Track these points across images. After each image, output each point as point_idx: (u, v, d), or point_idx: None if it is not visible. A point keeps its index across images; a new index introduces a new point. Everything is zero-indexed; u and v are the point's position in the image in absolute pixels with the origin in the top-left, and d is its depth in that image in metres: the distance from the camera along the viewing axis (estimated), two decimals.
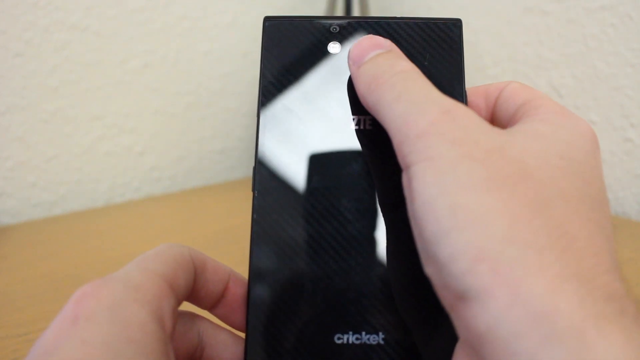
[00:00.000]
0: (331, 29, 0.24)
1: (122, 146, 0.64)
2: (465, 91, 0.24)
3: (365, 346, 0.21)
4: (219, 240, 0.50)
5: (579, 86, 0.59)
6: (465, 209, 0.16)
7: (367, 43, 0.22)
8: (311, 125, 0.23)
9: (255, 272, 0.22)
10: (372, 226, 0.22)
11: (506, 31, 0.64)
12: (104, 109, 0.62)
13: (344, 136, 0.23)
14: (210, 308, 0.22)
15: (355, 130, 0.23)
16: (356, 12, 0.72)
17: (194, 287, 0.21)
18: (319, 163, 0.23)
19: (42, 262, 0.45)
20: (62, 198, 0.61)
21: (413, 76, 0.21)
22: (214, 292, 0.22)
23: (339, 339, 0.21)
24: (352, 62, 0.22)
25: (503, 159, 0.17)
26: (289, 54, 0.24)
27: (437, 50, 0.25)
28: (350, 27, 0.24)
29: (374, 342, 0.21)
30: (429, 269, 0.17)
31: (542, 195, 0.17)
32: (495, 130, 0.19)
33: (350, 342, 0.21)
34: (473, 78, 0.68)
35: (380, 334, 0.21)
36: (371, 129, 0.23)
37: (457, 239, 0.16)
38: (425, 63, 0.24)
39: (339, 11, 0.71)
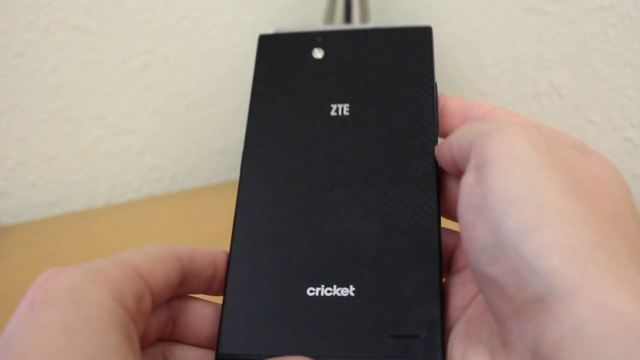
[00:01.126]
0: (316, 39, 0.28)
1: (122, 146, 0.64)
2: (436, 100, 0.25)
3: (336, 298, 0.22)
4: (219, 240, 0.50)
5: (578, 86, 0.59)
6: (557, 208, 0.17)
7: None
8: (295, 117, 0.26)
9: (236, 236, 0.24)
10: (347, 190, 0.24)
11: (506, 31, 0.64)
12: (104, 109, 0.62)
13: (322, 123, 0.26)
14: (205, 291, 0.23)
15: (333, 116, 0.26)
16: (356, 12, 0.72)
17: (186, 279, 0.22)
18: (300, 145, 0.25)
19: (42, 262, 0.45)
20: (62, 198, 0.61)
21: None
22: (206, 277, 0.23)
23: (311, 291, 0.22)
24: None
25: (583, 173, 0.18)
26: (279, 61, 0.28)
27: (407, 58, 0.26)
28: (331, 36, 0.28)
29: (345, 294, 0.22)
30: (497, 268, 0.17)
31: (617, 213, 0.18)
32: (571, 148, 0.20)
33: (322, 294, 0.22)
34: (473, 78, 0.68)
35: (351, 286, 0.22)
36: (348, 114, 0.26)
37: (548, 235, 0.16)
38: (396, 73, 0.26)
39: (339, 11, 0.72)
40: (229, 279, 0.23)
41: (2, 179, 0.57)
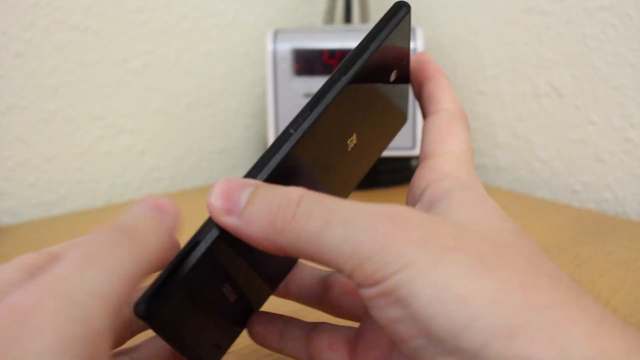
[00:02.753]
0: None
1: (122, 146, 0.64)
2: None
3: None
4: None
5: (578, 86, 0.59)
6: (476, 295, 0.17)
7: (226, 186, 0.20)
8: None
9: None
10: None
11: (506, 31, 0.64)
12: (104, 109, 0.62)
13: None
14: None
15: None
16: (356, 12, 0.72)
17: None
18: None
19: None
20: (62, 198, 0.61)
21: (316, 196, 0.20)
22: None
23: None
24: (224, 212, 0.20)
25: (473, 238, 0.19)
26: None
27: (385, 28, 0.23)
28: None
29: None
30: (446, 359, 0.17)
31: (526, 260, 0.18)
32: (439, 217, 0.20)
33: None
34: (473, 78, 0.68)
35: None
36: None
37: (483, 326, 0.16)
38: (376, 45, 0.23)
39: (339, 11, 0.72)
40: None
41: (2, 179, 0.57)
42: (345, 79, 0.21)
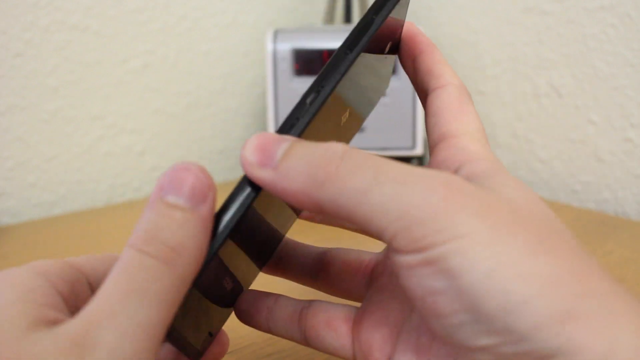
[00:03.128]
0: None
1: (122, 146, 0.64)
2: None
3: None
4: None
5: (578, 86, 0.59)
6: (536, 274, 0.16)
7: (263, 140, 0.19)
8: None
9: None
10: None
11: (506, 31, 0.64)
12: (104, 109, 0.62)
13: None
14: None
15: None
16: (356, 12, 0.72)
17: None
18: None
19: None
20: (62, 198, 0.61)
21: (361, 152, 0.19)
22: None
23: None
24: (259, 165, 0.19)
25: (528, 218, 0.18)
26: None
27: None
28: None
29: None
30: (487, 340, 0.17)
31: (575, 248, 0.18)
32: (492, 192, 0.19)
33: None
34: (473, 78, 0.68)
35: None
36: None
37: (538, 307, 0.16)
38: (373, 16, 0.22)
39: (339, 11, 0.72)
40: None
41: (2, 179, 0.57)
42: (352, 55, 0.21)
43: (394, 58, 0.27)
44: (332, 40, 0.59)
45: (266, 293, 0.26)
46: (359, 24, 0.22)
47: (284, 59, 0.58)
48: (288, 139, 0.19)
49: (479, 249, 0.17)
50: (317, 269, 0.27)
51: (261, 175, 0.19)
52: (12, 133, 0.57)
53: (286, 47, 0.58)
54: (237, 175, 0.73)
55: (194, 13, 0.66)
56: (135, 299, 0.17)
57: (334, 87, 0.20)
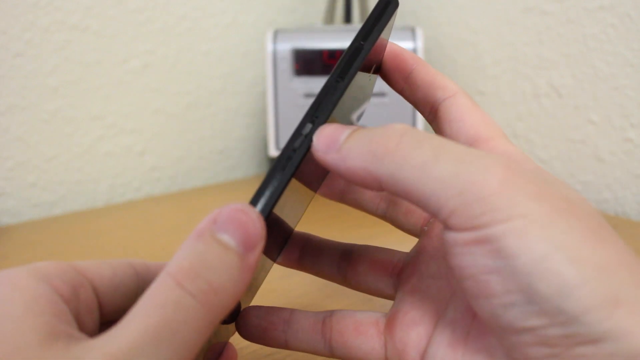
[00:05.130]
0: None
1: (122, 146, 0.64)
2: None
3: None
4: None
5: (578, 86, 0.59)
6: (589, 260, 0.17)
7: (329, 129, 0.20)
8: None
9: None
10: None
11: (506, 31, 0.64)
12: (104, 109, 0.62)
13: None
14: None
15: None
16: (356, 12, 0.72)
17: (148, 285, 0.22)
18: None
19: None
20: (62, 198, 0.61)
21: (421, 131, 0.19)
22: None
23: None
24: (325, 149, 0.20)
25: (581, 209, 0.18)
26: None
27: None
28: None
29: None
30: (535, 322, 0.17)
31: (621, 240, 0.19)
32: (550, 177, 0.19)
33: None
34: (473, 78, 0.68)
35: None
36: None
37: (591, 291, 0.16)
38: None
39: (339, 11, 0.72)
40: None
41: (2, 179, 0.57)
42: (344, 84, 0.22)
43: (375, 77, 0.28)
44: (332, 40, 0.59)
45: (278, 307, 0.26)
46: (348, 49, 0.22)
47: (284, 59, 0.58)
48: (351, 127, 0.20)
49: (536, 231, 0.17)
50: (344, 265, 0.27)
51: (327, 158, 0.20)
52: (12, 133, 0.57)
53: (286, 47, 0.58)
54: (237, 175, 0.73)
55: (194, 13, 0.66)
56: (165, 340, 0.16)
57: (327, 117, 0.21)
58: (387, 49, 0.25)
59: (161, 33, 0.64)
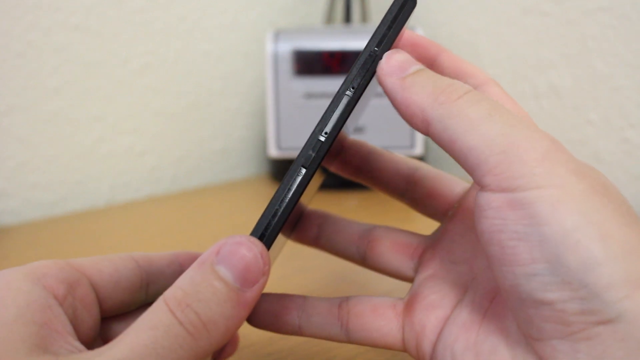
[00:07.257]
0: None
1: (123, 146, 0.64)
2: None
3: None
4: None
5: (578, 86, 0.59)
6: (618, 240, 0.17)
7: (401, 56, 0.21)
8: None
9: None
10: None
11: (505, 31, 0.64)
12: (104, 109, 0.62)
13: None
14: None
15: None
16: (356, 12, 0.72)
17: (151, 279, 0.22)
18: None
19: None
20: (63, 198, 0.61)
21: (486, 96, 0.20)
22: (171, 275, 0.23)
23: None
24: (390, 71, 0.20)
25: (615, 195, 0.19)
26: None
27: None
28: None
29: None
30: (555, 295, 0.17)
31: None
32: (587, 164, 0.20)
33: None
34: None
35: None
36: None
37: (616, 268, 0.17)
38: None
39: (339, 12, 0.72)
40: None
41: (3, 179, 0.57)
42: (357, 94, 0.21)
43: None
44: (332, 40, 0.59)
45: (290, 294, 0.26)
46: (361, 55, 0.22)
47: (284, 59, 0.58)
48: (421, 65, 0.21)
49: (571, 203, 0.17)
50: (363, 245, 0.27)
51: (387, 80, 0.20)
52: (13, 133, 0.57)
53: (286, 47, 0.58)
54: (237, 176, 0.73)
55: (194, 13, 0.66)
56: None
57: (339, 130, 0.21)
58: (404, 38, 0.25)
59: (161, 33, 0.64)
